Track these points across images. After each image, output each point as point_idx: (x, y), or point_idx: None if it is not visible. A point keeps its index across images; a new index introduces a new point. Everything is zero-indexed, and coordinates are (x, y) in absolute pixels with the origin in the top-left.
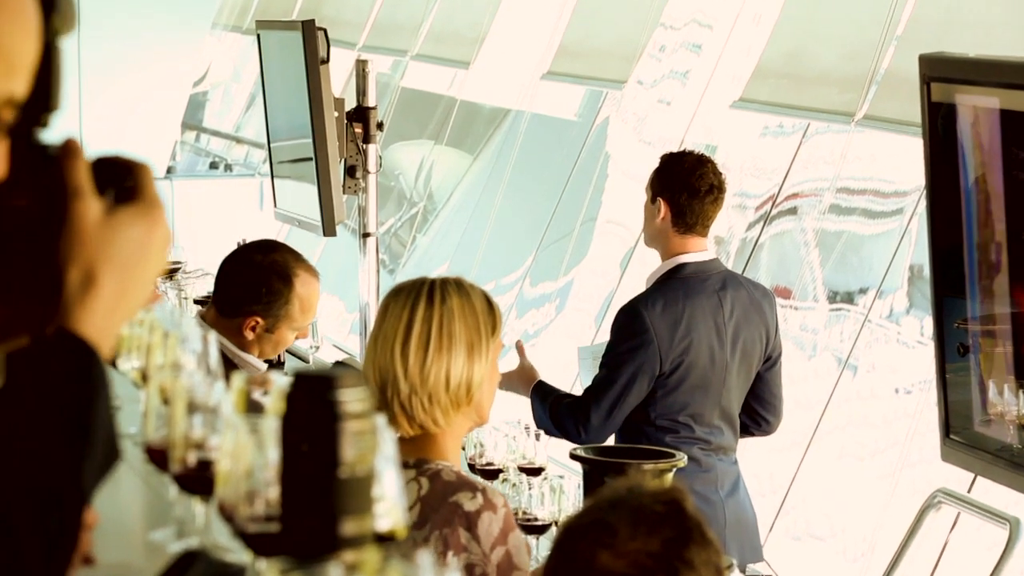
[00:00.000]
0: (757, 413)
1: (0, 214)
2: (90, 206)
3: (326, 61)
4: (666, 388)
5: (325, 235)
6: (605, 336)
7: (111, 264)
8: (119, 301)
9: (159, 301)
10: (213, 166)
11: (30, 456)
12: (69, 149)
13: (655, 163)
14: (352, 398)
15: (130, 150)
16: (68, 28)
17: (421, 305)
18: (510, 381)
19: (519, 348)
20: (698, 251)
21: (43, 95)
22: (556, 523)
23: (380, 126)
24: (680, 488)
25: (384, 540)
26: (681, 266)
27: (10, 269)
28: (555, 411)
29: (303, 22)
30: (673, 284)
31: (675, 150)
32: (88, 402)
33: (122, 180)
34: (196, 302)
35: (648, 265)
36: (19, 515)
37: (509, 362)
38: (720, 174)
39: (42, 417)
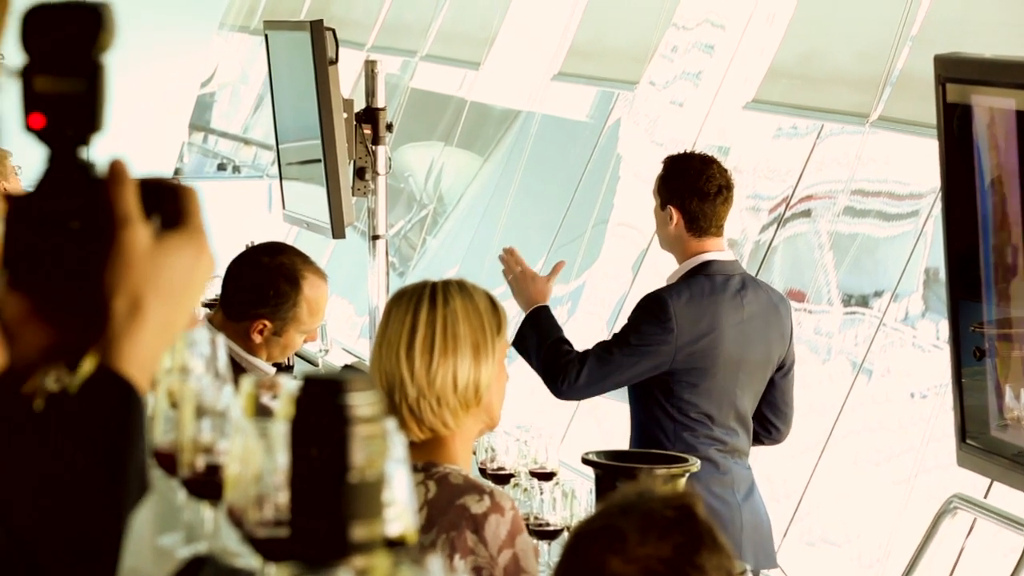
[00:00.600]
0: (769, 420)
1: (47, 235)
2: (138, 233)
3: (335, 62)
4: (682, 384)
5: (334, 237)
6: None
7: (157, 292)
8: (163, 330)
9: (198, 327)
10: (221, 168)
11: (66, 498)
12: (117, 173)
13: None
14: (362, 402)
15: (136, 151)
16: (111, 43)
17: (424, 308)
18: (519, 285)
19: (556, 268)
20: (717, 250)
21: (89, 115)
22: (568, 528)
23: (389, 127)
24: (691, 493)
25: (394, 545)
26: (707, 263)
27: (56, 291)
28: (550, 353)
29: (311, 22)
30: (699, 280)
31: (675, 152)
32: (125, 443)
33: (166, 204)
34: (204, 305)
35: (661, 268)
36: (54, 557)
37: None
38: (726, 172)
39: (78, 458)
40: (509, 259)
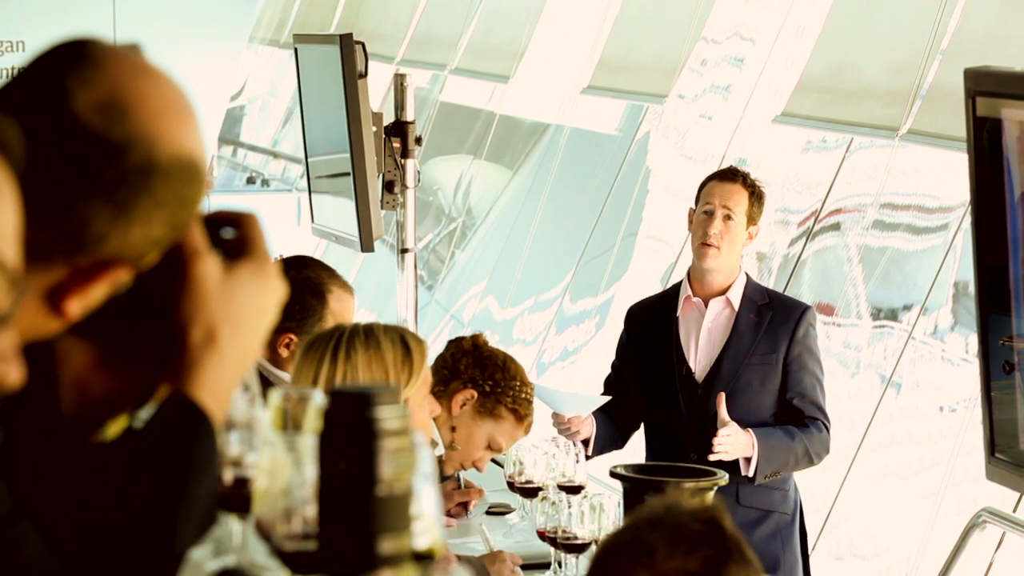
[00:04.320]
0: None
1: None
2: (210, 265)
3: (364, 75)
4: None
5: (363, 251)
6: None
7: (230, 323)
8: (237, 360)
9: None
10: (250, 181)
11: (125, 518)
12: None
13: (697, 178)
14: (390, 415)
15: None
16: None
17: (325, 364)
18: (735, 445)
19: (718, 401)
20: None
21: None
22: (596, 541)
23: (418, 141)
24: (719, 506)
25: (422, 558)
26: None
27: (124, 338)
28: (805, 449)
29: (341, 36)
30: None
31: (749, 172)
32: (194, 469)
33: (224, 232)
34: None
35: None
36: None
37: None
38: None
39: (143, 481)
40: (724, 443)
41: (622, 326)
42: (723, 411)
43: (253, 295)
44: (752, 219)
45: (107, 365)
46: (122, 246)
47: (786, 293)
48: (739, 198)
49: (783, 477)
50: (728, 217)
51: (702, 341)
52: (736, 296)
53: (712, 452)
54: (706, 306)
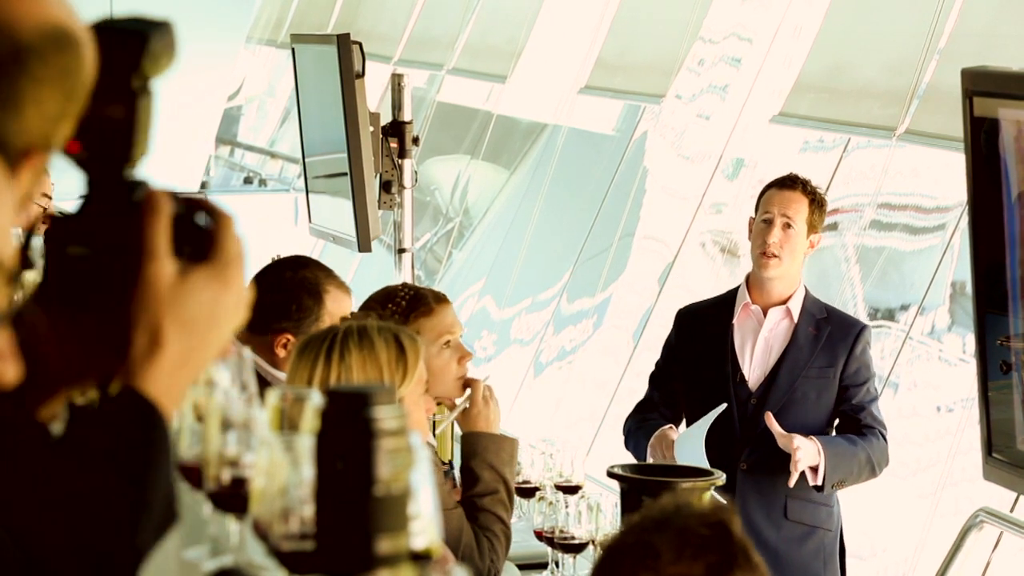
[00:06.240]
0: None
1: (78, 261)
2: (162, 269)
3: (361, 75)
4: None
5: (360, 251)
6: (643, 352)
7: (179, 327)
8: (185, 362)
9: (230, 356)
10: (247, 181)
11: (84, 513)
12: (151, 206)
13: (695, 178)
14: (387, 415)
15: (163, 165)
16: (159, 70)
17: (319, 365)
18: (807, 455)
19: (768, 420)
20: None
21: (125, 142)
22: (593, 542)
23: (416, 141)
24: (727, 508)
25: (419, 558)
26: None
27: (82, 317)
28: (868, 460)
29: (338, 36)
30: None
31: (809, 181)
32: (148, 462)
33: (199, 235)
34: None
35: (687, 282)
36: (69, 573)
37: None
38: None
39: (99, 475)
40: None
41: (619, 326)
42: (776, 425)
43: (207, 301)
44: (813, 227)
45: (65, 340)
46: (23, 134)
47: None
48: (799, 206)
49: (829, 494)
50: (788, 226)
51: (758, 350)
52: (796, 307)
53: (793, 468)
54: (764, 315)
